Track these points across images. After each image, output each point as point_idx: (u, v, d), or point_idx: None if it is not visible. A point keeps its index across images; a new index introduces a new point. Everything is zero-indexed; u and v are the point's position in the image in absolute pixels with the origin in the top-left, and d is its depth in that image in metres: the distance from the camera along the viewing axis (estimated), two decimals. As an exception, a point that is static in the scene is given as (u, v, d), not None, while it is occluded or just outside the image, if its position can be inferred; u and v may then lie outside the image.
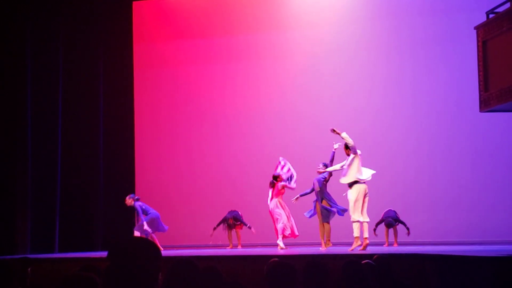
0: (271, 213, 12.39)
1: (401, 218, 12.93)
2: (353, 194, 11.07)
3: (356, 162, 11.13)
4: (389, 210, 12.96)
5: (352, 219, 11.06)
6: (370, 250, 10.94)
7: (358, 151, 11.20)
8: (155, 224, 12.75)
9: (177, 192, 15.16)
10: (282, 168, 12.87)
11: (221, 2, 15.70)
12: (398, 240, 12.89)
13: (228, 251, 12.49)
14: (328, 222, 12.28)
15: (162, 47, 15.70)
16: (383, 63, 14.69)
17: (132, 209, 13.18)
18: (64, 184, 13.88)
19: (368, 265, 5.38)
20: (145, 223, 12.56)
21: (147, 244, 2.68)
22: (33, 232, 13.24)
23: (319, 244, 12.32)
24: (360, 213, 11.06)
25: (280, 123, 15.05)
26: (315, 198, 12.42)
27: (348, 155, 11.26)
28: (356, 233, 11.00)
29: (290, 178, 12.71)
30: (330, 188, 12.43)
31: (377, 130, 14.55)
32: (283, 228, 12.21)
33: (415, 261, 9.38)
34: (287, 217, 12.27)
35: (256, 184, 14.41)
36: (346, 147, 11.26)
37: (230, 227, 13.41)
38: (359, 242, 11.01)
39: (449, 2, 14.43)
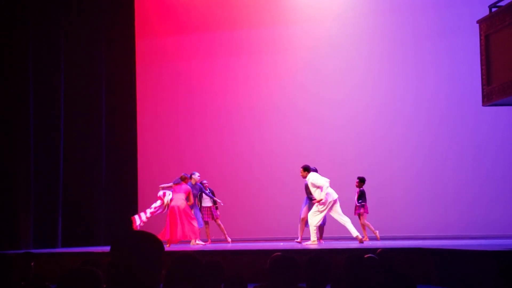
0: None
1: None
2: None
3: None
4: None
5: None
6: (373, 244, 10.95)
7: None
8: None
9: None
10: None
11: (223, -4, 15.68)
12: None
13: (230, 245, 12.48)
14: None
15: (164, 42, 15.69)
16: (385, 58, 14.66)
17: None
18: (67, 179, 13.89)
19: (370, 259, 5.38)
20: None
21: (150, 239, 2.67)
22: (36, 227, 13.26)
23: (323, 239, 12.36)
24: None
25: (281, 117, 15.04)
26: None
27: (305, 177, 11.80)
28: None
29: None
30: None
31: (380, 125, 14.55)
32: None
33: (417, 255, 9.40)
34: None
35: (258, 178, 14.43)
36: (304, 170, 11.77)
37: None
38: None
39: (452, -4, 14.41)
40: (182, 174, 12.64)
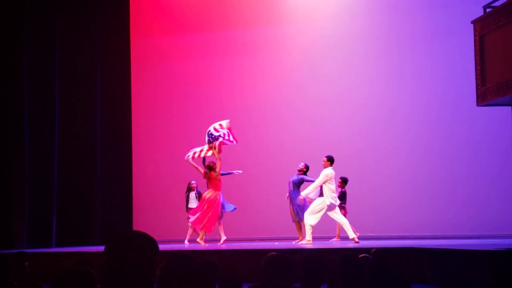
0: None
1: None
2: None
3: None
4: None
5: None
6: (368, 244, 10.96)
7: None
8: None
9: (174, 185, 15.14)
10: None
11: (218, -4, 15.67)
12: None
13: (225, 245, 12.47)
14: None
15: (159, 41, 15.68)
16: (381, 58, 14.68)
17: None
18: (61, 179, 13.86)
19: (365, 259, 5.39)
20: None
21: (145, 238, 2.67)
22: (30, 226, 13.22)
23: (319, 239, 12.36)
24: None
25: (277, 117, 15.05)
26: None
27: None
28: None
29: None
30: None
31: (375, 126, 14.56)
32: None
33: (412, 255, 9.41)
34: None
35: (254, 177, 14.42)
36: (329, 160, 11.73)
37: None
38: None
39: (447, -4, 14.43)
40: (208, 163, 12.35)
